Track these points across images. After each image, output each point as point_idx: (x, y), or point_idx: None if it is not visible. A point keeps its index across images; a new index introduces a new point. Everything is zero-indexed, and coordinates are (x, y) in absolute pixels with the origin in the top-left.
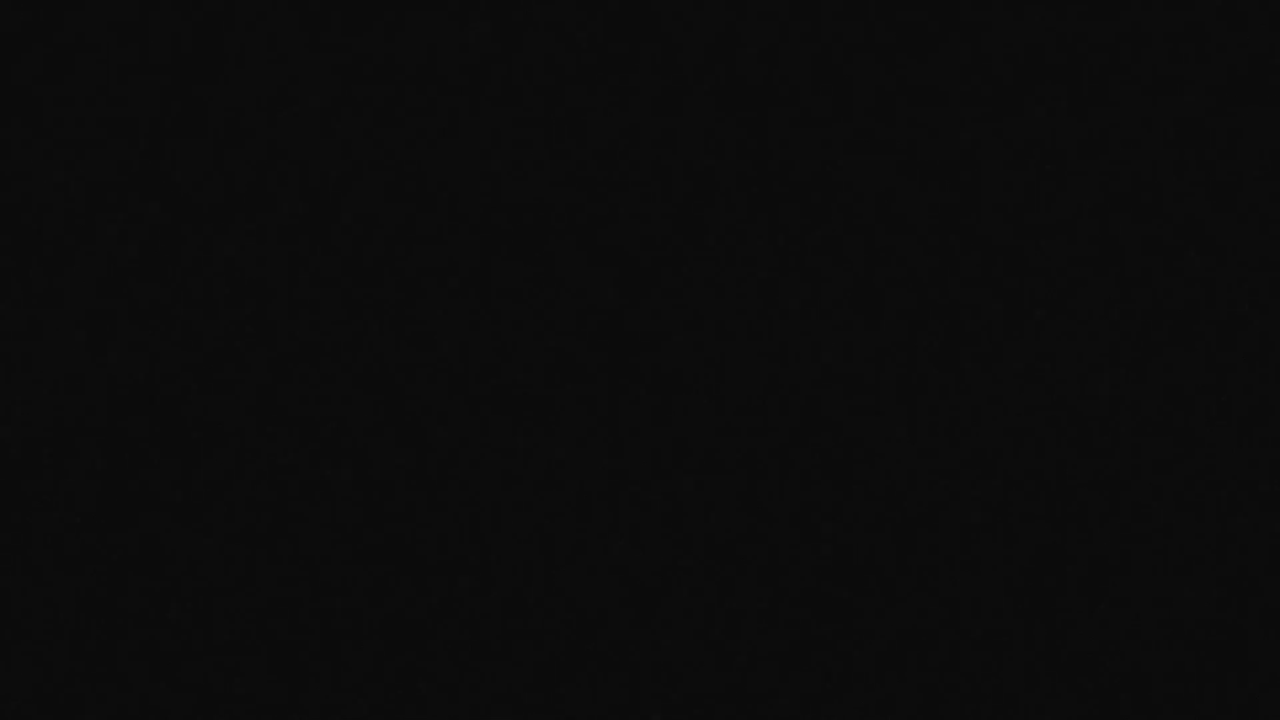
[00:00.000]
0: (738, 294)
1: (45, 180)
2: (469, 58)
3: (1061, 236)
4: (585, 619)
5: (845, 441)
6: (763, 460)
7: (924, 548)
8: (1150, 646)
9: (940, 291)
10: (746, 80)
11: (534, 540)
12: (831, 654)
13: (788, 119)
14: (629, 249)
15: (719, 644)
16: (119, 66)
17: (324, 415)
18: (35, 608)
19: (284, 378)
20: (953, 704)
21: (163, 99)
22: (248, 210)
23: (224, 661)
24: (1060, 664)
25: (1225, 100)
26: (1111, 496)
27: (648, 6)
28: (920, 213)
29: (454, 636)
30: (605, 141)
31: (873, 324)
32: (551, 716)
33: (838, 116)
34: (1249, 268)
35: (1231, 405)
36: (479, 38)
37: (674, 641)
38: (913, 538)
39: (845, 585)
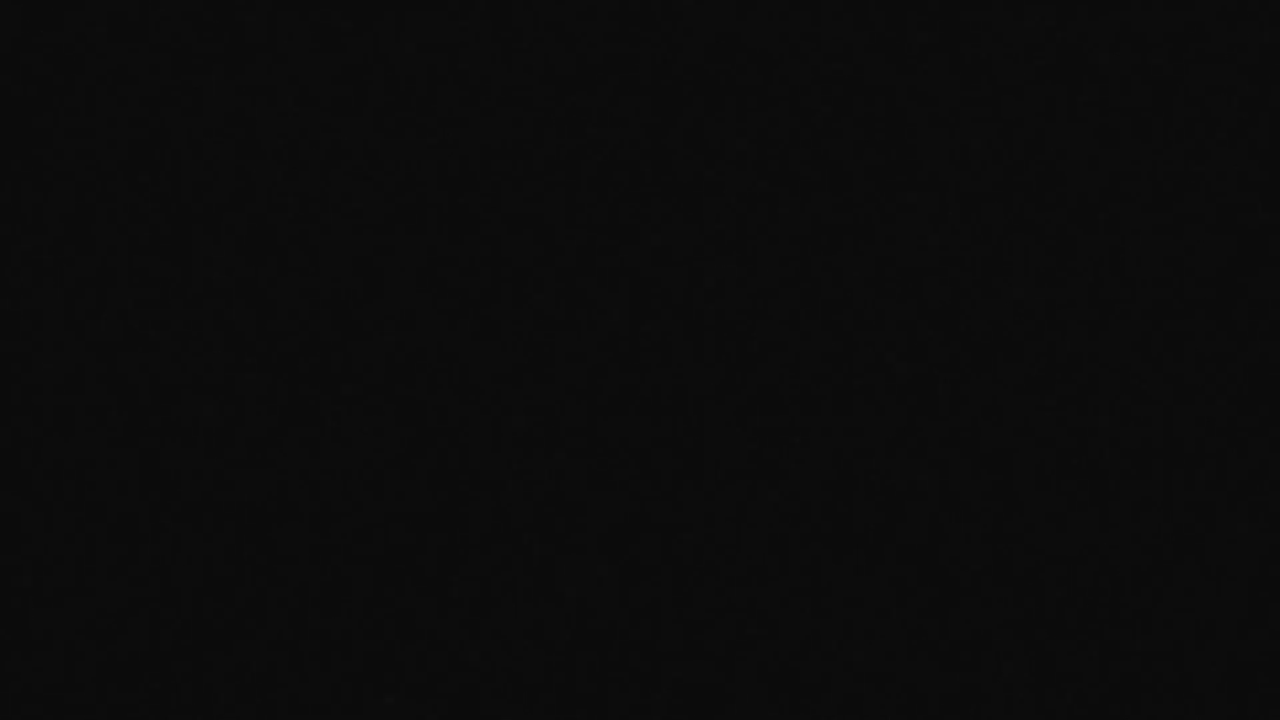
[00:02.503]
0: (735, 293)
1: (45, 180)
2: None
3: (1060, 237)
4: (583, 618)
5: (843, 442)
6: (760, 461)
7: (922, 548)
8: (1149, 646)
9: (938, 292)
10: (744, 81)
11: (533, 540)
12: (830, 653)
13: (786, 119)
14: (626, 249)
15: (716, 644)
16: (119, 67)
17: (322, 416)
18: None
19: (282, 378)
20: (950, 704)
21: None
22: (246, 210)
23: (222, 661)
24: (1059, 664)
25: (1225, 100)
26: (1109, 497)
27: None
28: (919, 213)
29: (454, 636)
30: (602, 141)
31: (869, 324)
32: (548, 716)
33: (837, 116)
34: (1249, 267)
35: (1231, 406)
36: (478, 38)
37: (671, 642)
38: (911, 538)
39: (843, 585)
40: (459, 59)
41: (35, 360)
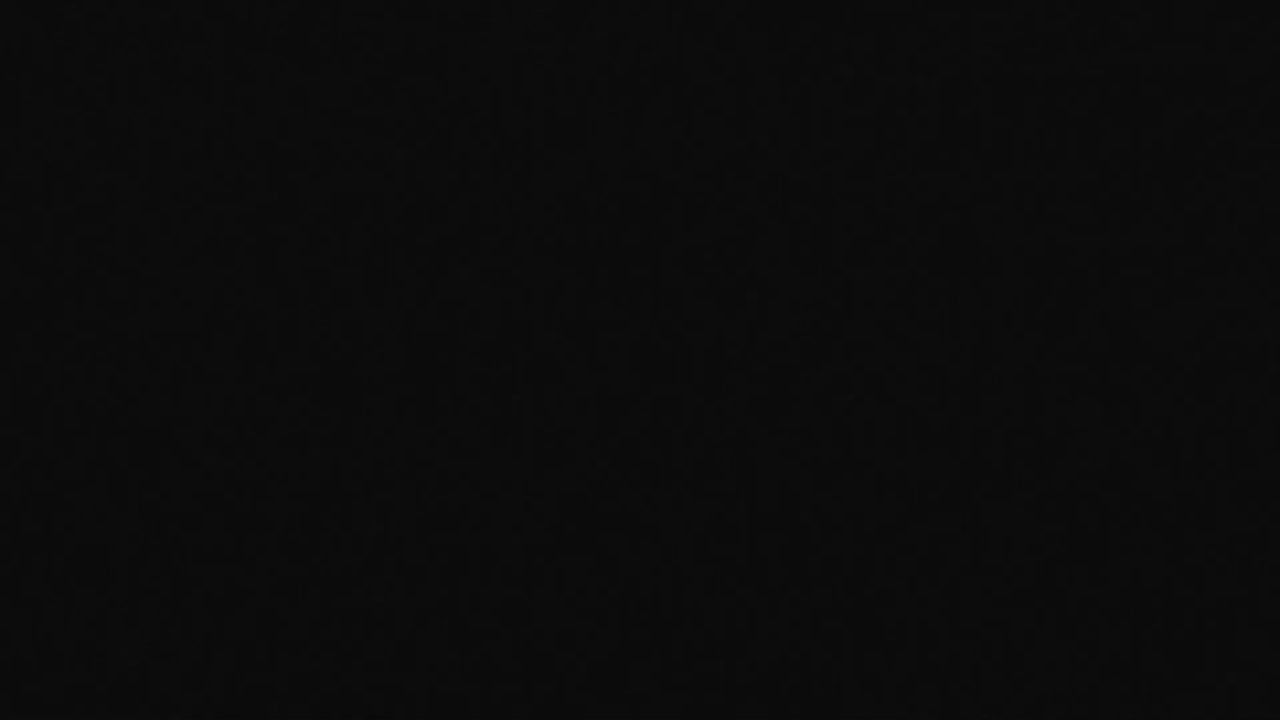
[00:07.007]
0: (733, 293)
1: (44, 180)
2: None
3: (1059, 236)
4: (583, 617)
5: (841, 441)
6: (759, 460)
7: (920, 547)
8: (1147, 644)
9: (936, 291)
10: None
11: (533, 539)
12: (828, 652)
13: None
14: (622, 249)
15: (715, 643)
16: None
17: (322, 415)
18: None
19: (282, 377)
20: (949, 702)
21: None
22: (246, 210)
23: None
24: (1058, 662)
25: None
26: (1108, 495)
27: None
28: (915, 213)
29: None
30: (600, 141)
31: (865, 323)
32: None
33: (833, 116)
34: (1249, 268)
35: (1231, 406)
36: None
37: (670, 640)
38: (910, 536)
39: (841, 583)
40: (457, 60)
41: (35, 360)
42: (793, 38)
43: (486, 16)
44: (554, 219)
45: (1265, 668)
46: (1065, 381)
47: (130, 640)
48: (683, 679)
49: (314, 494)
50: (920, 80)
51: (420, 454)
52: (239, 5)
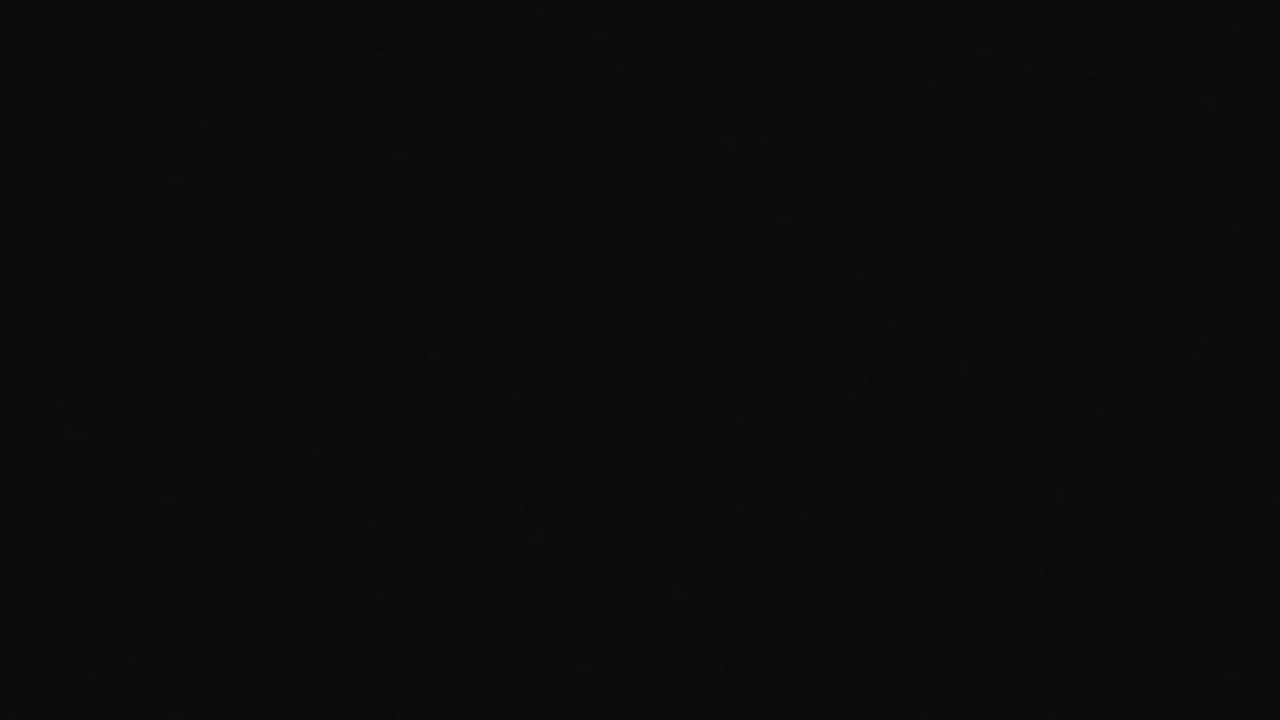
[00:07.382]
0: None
1: (44, 180)
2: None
3: (1059, 237)
4: (584, 617)
5: (843, 441)
6: (762, 460)
7: (923, 546)
8: (1149, 643)
9: (936, 291)
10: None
11: (533, 540)
12: (828, 653)
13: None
14: (623, 249)
15: (717, 643)
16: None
17: (323, 415)
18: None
19: (282, 377)
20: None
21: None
22: (245, 210)
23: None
24: (1059, 661)
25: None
26: (1110, 495)
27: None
28: (916, 212)
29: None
30: (601, 140)
31: (867, 323)
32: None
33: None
34: (1248, 268)
35: (1232, 406)
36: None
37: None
38: (912, 536)
39: (843, 584)
40: (457, 59)
41: (36, 360)
42: (793, 38)
43: (486, 16)
44: (554, 219)
45: (1265, 668)
46: (1065, 382)
47: (130, 640)
48: (683, 679)
49: (314, 494)
50: (920, 80)
51: (420, 454)
52: (239, 5)
